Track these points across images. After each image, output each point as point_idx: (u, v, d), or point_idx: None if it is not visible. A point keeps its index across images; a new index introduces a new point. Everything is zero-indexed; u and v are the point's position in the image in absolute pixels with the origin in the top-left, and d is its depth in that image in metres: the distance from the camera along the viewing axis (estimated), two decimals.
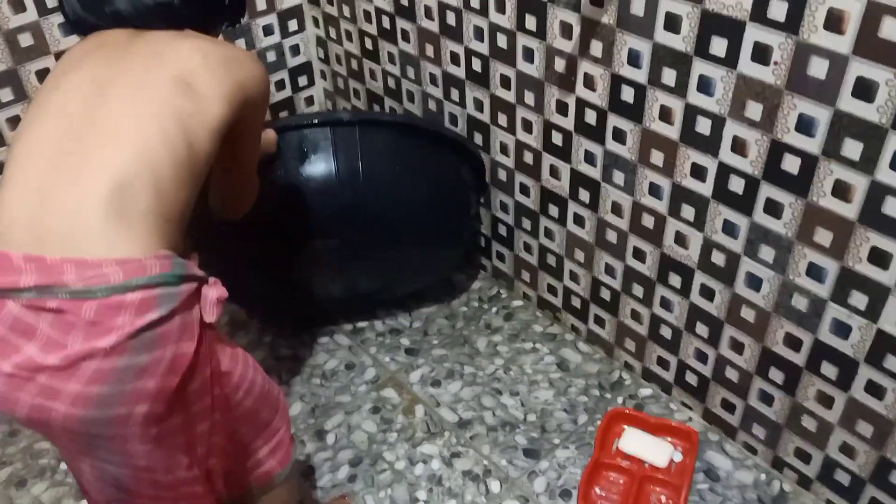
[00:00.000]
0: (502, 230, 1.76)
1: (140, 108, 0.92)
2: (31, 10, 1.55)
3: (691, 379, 1.50)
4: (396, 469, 1.48)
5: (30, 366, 0.84)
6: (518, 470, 1.47)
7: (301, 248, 1.53)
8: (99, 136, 0.90)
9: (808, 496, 1.38)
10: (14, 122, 1.62)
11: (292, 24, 1.94)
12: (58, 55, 1.60)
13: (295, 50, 1.98)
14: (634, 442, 1.48)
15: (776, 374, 1.32)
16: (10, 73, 1.57)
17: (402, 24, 1.67)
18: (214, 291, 0.93)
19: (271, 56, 1.94)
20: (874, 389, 1.18)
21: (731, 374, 1.41)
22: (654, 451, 1.46)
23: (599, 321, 1.65)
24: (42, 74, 1.61)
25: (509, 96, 1.52)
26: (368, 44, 1.80)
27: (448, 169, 1.62)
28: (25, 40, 1.56)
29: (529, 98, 1.47)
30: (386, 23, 1.71)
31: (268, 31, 1.91)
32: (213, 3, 1.08)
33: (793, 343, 1.26)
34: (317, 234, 1.52)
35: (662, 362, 1.55)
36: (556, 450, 1.50)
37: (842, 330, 1.18)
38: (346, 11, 1.81)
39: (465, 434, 1.53)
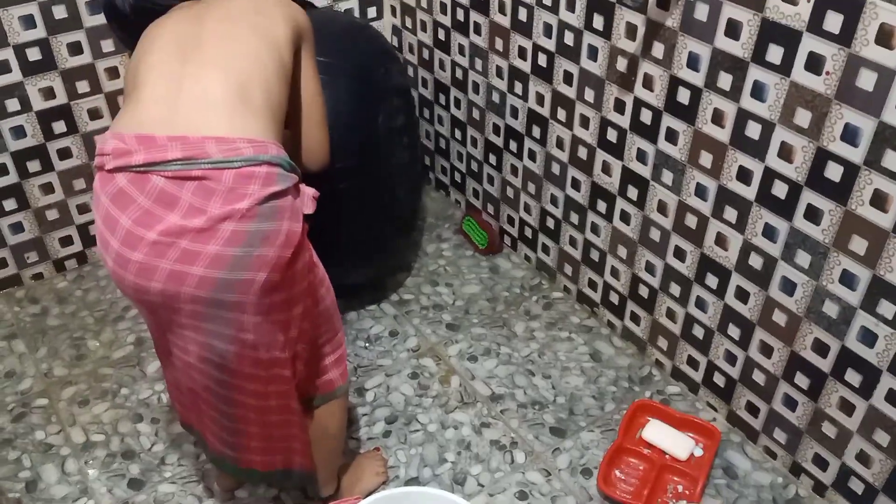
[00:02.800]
0: (550, 223, 1.84)
1: (236, 27, 1.09)
2: None
3: (719, 380, 1.55)
4: (429, 431, 1.56)
5: (174, 231, 0.97)
6: (543, 445, 1.54)
7: None
8: (210, 48, 1.06)
9: (822, 502, 1.42)
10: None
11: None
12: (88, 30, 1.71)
13: None
14: (657, 433, 1.53)
15: (802, 380, 1.37)
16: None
17: (475, 17, 1.76)
18: (310, 189, 1.08)
19: None
20: (894, 398, 1.22)
21: (759, 378, 1.46)
22: (675, 443, 1.51)
23: (635, 318, 1.71)
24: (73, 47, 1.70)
25: (570, 92, 1.59)
26: (441, 34, 1.90)
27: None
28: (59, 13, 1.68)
29: (589, 95, 1.55)
30: (460, 15, 1.80)
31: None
32: None
33: (820, 349, 1.31)
34: None
35: (692, 362, 1.60)
36: (581, 432, 1.57)
37: (868, 338, 1.22)
38: (424, 2, 1.91)
39: (496, 407, 1.61)
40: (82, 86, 1.74)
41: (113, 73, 1.77)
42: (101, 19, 1.68)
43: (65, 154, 1.80)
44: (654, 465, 1.47)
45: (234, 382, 1.10)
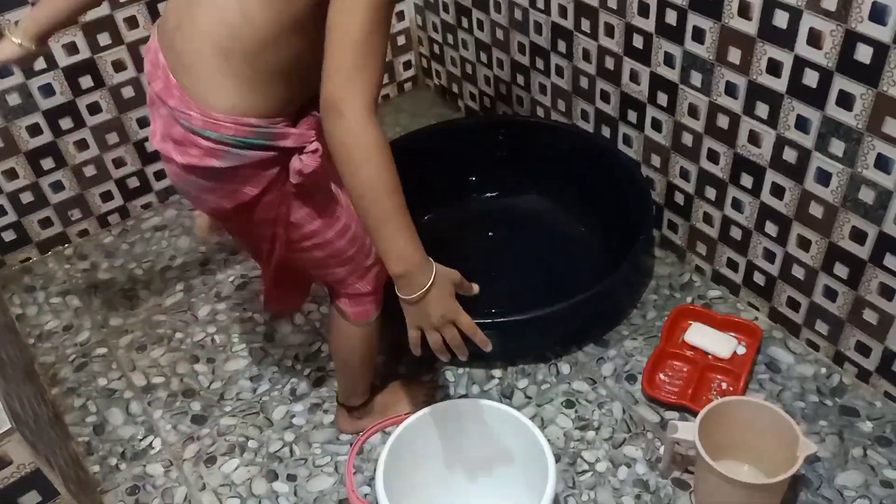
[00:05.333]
0: None
1: None
2: None
3: (759, 279, 1.56)
4: None
5: (155, 133, 1.08)
6: (587, 356, 1.58)
7: None
8: None
9: (867, 389, 1.44)
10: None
11: None
12: None
13: (399, 16, 2.15)
14: (699, 335, 1.56)
15: (841, 269, 1.37)
16: None
17: None
18: (298, 164, 1.04)
19: None
20: None
21: (798, 272, 1.46)
22: (718, 343, 1.53)
23: (672, 226, 1.72)
24: None
25: (593, 0, 1.57)
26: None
27: None
28: None
29: (612, 1, 1.53)
30: None
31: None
32: None
33: (858, 237, 1.31)
34: None
35: (732, 264, 1.61)
36: (624, 340, 1.60)
37: None
38: None
39: None
40: (103, 38, 1.77)
41: (132, 22, 1.79)
42: None
43: (94, 109, 1.85)
44: (698, 366, 1.51)
45: None
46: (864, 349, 1.41)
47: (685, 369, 1.52)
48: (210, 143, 1.00)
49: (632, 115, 1.65)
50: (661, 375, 1.52)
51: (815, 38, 1.20)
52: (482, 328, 1.06)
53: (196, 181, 1.06)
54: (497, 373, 1.57)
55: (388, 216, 0.92)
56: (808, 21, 1.19)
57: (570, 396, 1.51)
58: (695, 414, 1.42)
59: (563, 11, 1.66)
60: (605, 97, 1.69)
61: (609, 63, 1.63)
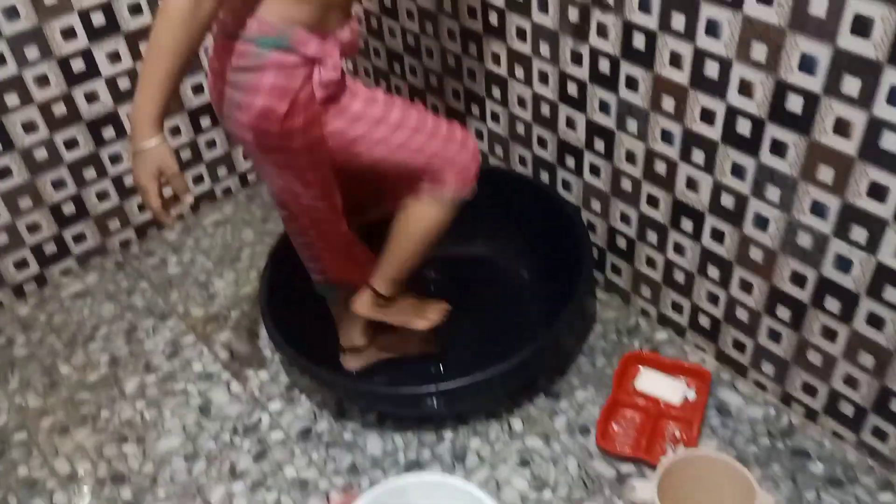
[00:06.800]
0: None
1: None
2: None
3: (704, 322, 1.56)
4: None
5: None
6: (539, 410, 1.54)
7: None
8: None
9: (815, 428, 1.44)
10: None
11: None
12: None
13: None
14: (650, 381, 1.54)
15: (783, 312, 1.37)
16: None
17: None
18: (323, 75, 1.14)
19: None
20: (875, 321, 1.23)
21: (742, 315, 1.46)
22: (668, 389, 1.52)
23: (616, 269, 1.71)
24: None
25: (525, 48, 1.56)
26: (388, 1, 1.85)
27: None
28: None
29: (545, 49, 1.52)
30: None
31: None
32: None
33: (798, 280, 1.31)
34: None
35: (676, 307, 1.61)
36: (575, 391, 1.57)
37: (844, 264, 1.22)
38: None
39: None
40: (11, 99, 1.68)
41: (42, 81, 1.70)
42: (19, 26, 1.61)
43: (4, 173, 1.74)
44: (650, 415, 1.48)
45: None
46: (810, 389, 1.41)
47: (638, 419, 1.50)
48: (239, 42, 1.11)
49: (570, 161, 1.64)
50: (615, 426, 1.50)
51: (746, 88, 1.20)
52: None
53: (231, 96, 1.14)
54: (448, 434, 1.51)
55: (149, 70, 1.04)
56: (739, 71, 1.20)
57: (524, 454, 1.47)
58: (650, 466, 1.40)
59: (496, 58, 1.65)
60: (543, 143, 1.68)
61: (545, 110, 1.62)
